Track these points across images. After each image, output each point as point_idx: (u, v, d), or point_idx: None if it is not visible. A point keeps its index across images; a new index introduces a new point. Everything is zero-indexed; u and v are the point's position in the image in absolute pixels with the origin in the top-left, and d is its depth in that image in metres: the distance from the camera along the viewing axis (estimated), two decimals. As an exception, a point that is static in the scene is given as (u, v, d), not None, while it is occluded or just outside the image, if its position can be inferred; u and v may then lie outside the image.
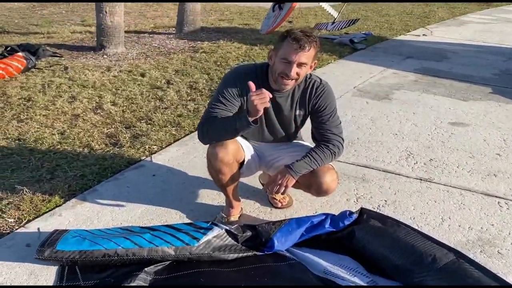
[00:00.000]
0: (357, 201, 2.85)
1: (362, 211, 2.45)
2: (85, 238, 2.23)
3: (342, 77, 5.64)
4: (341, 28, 8.65)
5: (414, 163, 3.37)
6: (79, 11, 10.51)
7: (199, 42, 7.28)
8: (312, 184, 2.41)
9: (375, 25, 9.92)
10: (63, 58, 5.96)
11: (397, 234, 2.29)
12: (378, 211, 2.69)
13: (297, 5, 8.48)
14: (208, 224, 2.36)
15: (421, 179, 3.14)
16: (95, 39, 6.62)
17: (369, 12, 11.92)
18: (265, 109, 2.37)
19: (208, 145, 2.36)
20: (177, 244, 2.21)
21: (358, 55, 7.08)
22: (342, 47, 7.44)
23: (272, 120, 2.46)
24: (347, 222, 2.38)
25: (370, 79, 5.60)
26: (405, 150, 3.60)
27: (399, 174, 3.20)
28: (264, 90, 2.11)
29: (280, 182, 2.31)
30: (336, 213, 2.44)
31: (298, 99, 2.40)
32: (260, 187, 2.92)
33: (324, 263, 2.23)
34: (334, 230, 2.36)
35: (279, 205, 2.76)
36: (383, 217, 2.45)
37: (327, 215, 2.41)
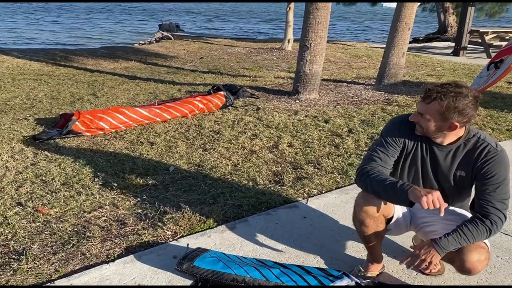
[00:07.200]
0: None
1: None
2: (220, 260, 2.38)
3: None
4: None
5: None
6: (288, 58, 11.34)
7: (396, 95, 7.13)
8: (455, 259, 2.18)
9: None
10: (258, 100, 6.49)
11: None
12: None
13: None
14: (339, 274, 2.29)
15: None
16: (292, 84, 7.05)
17: None
18: (423, 160, 2.25)
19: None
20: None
21: None
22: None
23: (429, 174, 2.30)
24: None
25: None
26: None
27: None
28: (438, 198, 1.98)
29: (423, 257, 2.12)
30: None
31: (460, 158, 2.20)
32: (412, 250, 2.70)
33: None
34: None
35: (427, 271, 2.51)
36: None
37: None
